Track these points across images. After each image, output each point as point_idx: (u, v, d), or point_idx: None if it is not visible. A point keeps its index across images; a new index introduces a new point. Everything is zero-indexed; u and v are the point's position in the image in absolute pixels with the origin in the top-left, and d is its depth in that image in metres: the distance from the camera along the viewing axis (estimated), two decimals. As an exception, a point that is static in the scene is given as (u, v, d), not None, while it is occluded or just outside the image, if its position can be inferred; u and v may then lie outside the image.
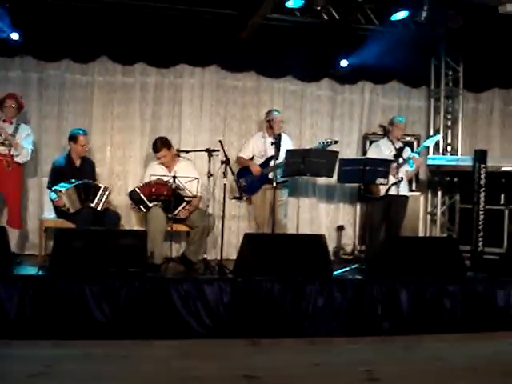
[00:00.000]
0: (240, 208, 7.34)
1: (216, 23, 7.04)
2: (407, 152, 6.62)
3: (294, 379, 3.81)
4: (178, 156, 6.37)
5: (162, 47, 7.09)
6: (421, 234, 7.75)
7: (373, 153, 6.71)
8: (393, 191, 6.29)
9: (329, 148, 6.32)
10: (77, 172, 6.11)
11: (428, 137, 7.57)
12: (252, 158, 6.73)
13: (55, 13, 6.62)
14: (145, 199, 5.91)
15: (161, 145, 6.25)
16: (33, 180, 6.93)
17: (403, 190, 6.43)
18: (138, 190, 5.96)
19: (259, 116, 7.47)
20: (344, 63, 7.38)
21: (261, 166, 6.58)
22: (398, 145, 6.67)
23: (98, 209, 5.90)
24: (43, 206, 6.72)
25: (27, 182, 6.84)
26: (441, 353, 4.52)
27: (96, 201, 5.89)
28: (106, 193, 5.97)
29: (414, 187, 7.57)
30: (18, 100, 6.19)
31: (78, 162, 6.23)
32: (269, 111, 6.87)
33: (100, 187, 5.97)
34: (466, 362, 4.28)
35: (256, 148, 6.73)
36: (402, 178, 6.33)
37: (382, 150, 6.67)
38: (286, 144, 6.57)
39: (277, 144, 6.20)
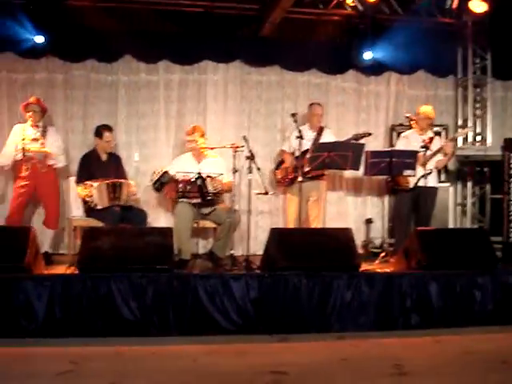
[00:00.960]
0: (266, 203, 7.33)
1: (238, 18, 7.04)
2: (437, 142, 6.49)
3: (321, 374, 3.78)
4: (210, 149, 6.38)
5: (186, 44, 7.11)
6: (451, 225, 7.62)
7: (401, 145, 6.63)
8: (422, 183, 6.20)
9: (361, 141, 6.25)
10: (103, 167, 6.19)
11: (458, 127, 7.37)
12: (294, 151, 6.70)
13: (79, 14, 6.69)
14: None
15: (197, 129, 6.32)
16: (61, 180, 7.00)
17: (432, 181, 6.34)
18: (169, 173, 5.98)
19: (284, 110, 7.45)
20: (368, 55, 7.29)
21: (297, 158, 6.54)
22: (428, 135, 6.54)
23: (125, 204, 5.94)
24: (71, 205, 6.78)
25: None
26: (471, 346, 4.43)
27: (123, 197, 5.94)
28: (132, 189, 6.01)
29: (443, 178, 7.46)
30: (40, 104, 6.27)
31: (104, 157, 6.30)
32: (309, 104, 6.82)
33: (125, 184, 6.01)
34: (497, 355, 4.19)
35: (294, 141, 6.68)
36: (431, 170, 6.23)
37: (411, 141, 6.56)
38: (327, 138, 6.50)
39: (314, 138, 6.17)
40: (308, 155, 6.15)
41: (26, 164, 6.08)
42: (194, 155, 6.36)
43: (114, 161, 6.42)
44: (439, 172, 7.07)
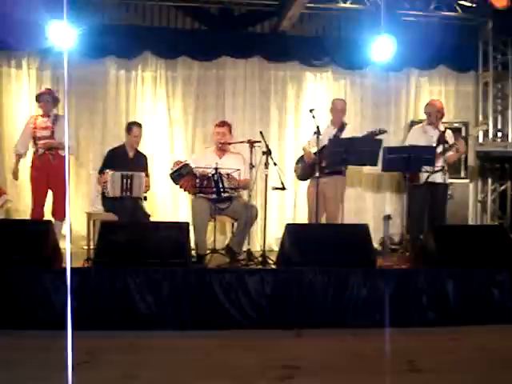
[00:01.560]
0: (285, 198, 7.35)
1: (257, 14, 7.04)
2: (450, 137, 6.39)
3: (334, 370, 3.78)
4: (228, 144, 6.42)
5: (204, 40, 7.15)
6: (470, 222, 7.57)
7: (414, 136, 6.52)
8: (435, 179, 6.15)
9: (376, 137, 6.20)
10: (129, 163, 6.24)
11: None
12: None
13: (98, 10, 6.76)
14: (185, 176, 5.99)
15: (225, 124, 6.38)
16: (81, 173, 7.12)
17: (439, 177, 6.26)
18: (191, 165, 6.02)
19: (302, 106, 7.44)
20: (388, 50, 7.21)
21: (315, 154, 6.53)
22: (440, 129, 6.44)
23: (137, 196, 6.00)
24: (92, 199, 6.86)
25: (76, 176, 7.06)
26: (487, 344, 4.39)
27: (135, 189, 5.98)
28: (143, 180, 6.04)
29: (462, 174, 7.39)
30: (53, 94, 6.39)
31: (131, 154, 6.37)
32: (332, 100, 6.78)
33: (138, 176, 6.02)
34: (514, 353, 4.17)
35: (313, 137, 6.67)
36: (442, 166, 6.17)
37: (428, 132, 6.43)
38: (348, 135, 6.43)
39: (319, 133, 6.15)
40: (326, 151, 6.15)
41: (38, 156, 6.20)
42: (217, 150, 6.40)
43: (140, 159, 6.46)
44: (459, 169, 7.02)
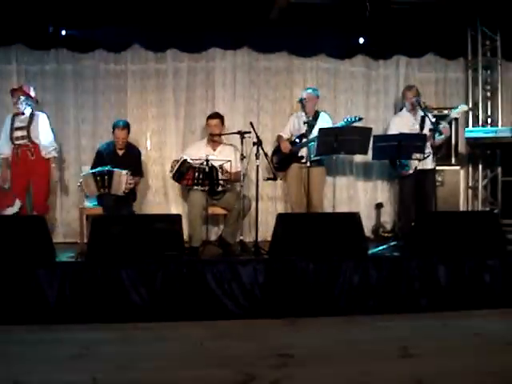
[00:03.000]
0: (276, 189, 7.36)
1: (245, 4, 7.00)
2: (428, 122, 6.40)
3: (329, 357, 3.82)
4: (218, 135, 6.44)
5: (193, 32, 7.11)
6: (462, 208, 7.57)
7: (395, 123, 6.59)
8: (421, 165, 6.18)
9: (355, 124, 6.23)
10: (118, 161, 6.23)
11: (454, 107, 7.21)
12: (291, 137, 6.73)
13: (87, 4, 6.71)
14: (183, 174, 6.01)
15: (218, 116, 6.43)
16: (72, 169, 7.10)
17: (428, 163, 6.29)
18: (189, 161, 6.02)
19: (293, 96, 7.43)
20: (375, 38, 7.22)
21: (292, 143, 6.59)
22: (419, 115, 6.46)
23: (119, 193, 5.99)
24: (83, 194, 6.86)
25: (67, 172, 7.06)
26: (479, 328, 4.44)
27: (114, 187, 5.97)
28: (123, 178, 6.01)
29: (453, 161, 7.42)
30: (24, 91, 6.26)
31: (121, 152, 6.37)
32: (304, 90, 6.83)
33: (117, 173, 5.99)
34: (505, 337, 4.20)
35: (292, 127, 6.74)
36: (429, 152, 6.20)
37: (404, 120, 6.51)
38: (324, 123, 6.52)
39: (309, 123, 6.19)
40: (304, 140, 6.26)
41: (16, 153, 6.14)
42: (209, 142, 6.41)
43: (131, 155, 6.45)
44: (449, 155, 7.05)
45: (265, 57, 7.52)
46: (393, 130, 6.50)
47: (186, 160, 6.03)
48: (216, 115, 6.48)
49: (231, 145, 6.42)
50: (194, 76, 7.40)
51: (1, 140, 6.26)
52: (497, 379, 3.38)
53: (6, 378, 3.32)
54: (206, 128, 6.55)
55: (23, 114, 6.22)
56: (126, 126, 6.36)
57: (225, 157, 6.11)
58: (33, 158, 6.17)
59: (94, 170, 6.01)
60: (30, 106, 6.24)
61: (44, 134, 6.27)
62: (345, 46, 7.57)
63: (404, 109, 6.69)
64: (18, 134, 6.16)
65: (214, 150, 6.36)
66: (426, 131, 6.27)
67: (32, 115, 6.25)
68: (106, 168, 5.98)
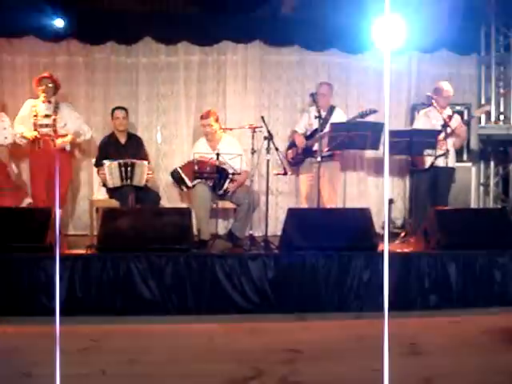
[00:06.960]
0: (286, 184, 7.34)
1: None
2: (457, 121, 6.40)
3: (336, 353, 3.81)
4: (224, 131, 6.40)
5: (205, 25, 7.09)
6: (473, 205, 7.52)
7: (420, 122, 6.56)
8: (439, 163, 6.15)
9: (368, 118, 6.19)
10: (122, 149, 6.24)
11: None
12: (306, 132, 6.68)
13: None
14: (185, 178, 5.97)
15: (211, 114, 6.34)
16: (83, 161, 7.11)
17: (450, 161, 6.26)
18: (178, 170, 6.04)
19: (304, 90, 7.39)
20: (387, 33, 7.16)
21: (307, 138, 6.54)
22: (447, 114, 6.46)
23: (139, 184, 5.99)
24: (94, 186, 6.87)
25: (78, 164, 7.06)
26: (489, 326, 4.41)
27: (136, 178, 5.98)
28: (145, 169, 6.04)
29: (465, 158, 7.38)
30: (54, 79, 6.26)
31: (123, 140, 6.36)
32: (318, 85, 6.78)
33: (138, 164, 6.01)
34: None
35: (306, 121, 6.69)
36: (447, 150, 6.16)
37: (431, 119, 6.49)
38: (338, 118, 6.47)
39: (320, 118, 6.15)
40: (317, 135, 6.17)
41: (38, 142, 6.06)
42: (209, 140, 6.38)
43: (135, 142, 6.45)
44: (461, 152, 7.00)
45: (276, 51, 7.49)
46: (419, 125, 6.50)
47: (174, 170, 6.10)
48: (207, 114, 6.35)
49: (231, 136, 6.43)
50: (205, 69, 7.38)
51: (19, 126, 6.13)
52: (508, 378, 3.35)
53: (17, 370, 3.32)
54: (202, 128, 6.46)
55: (49, 102, 6.19)
56: (124, 109, 6.40)
57: (227, 151, 6.06)
58: (54, 148, 6.08)
59: (119, 160, 5.97)
60: (55, 94, 6.25)
61: (73, 120, 6.27)
62: (357, 41, 7.51)
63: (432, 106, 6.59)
64: (44, 121, 6.12)
65: (215, 148, 6.28)
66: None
67: (57, 104, 6.24)
68: (125, 160, 5.97)
